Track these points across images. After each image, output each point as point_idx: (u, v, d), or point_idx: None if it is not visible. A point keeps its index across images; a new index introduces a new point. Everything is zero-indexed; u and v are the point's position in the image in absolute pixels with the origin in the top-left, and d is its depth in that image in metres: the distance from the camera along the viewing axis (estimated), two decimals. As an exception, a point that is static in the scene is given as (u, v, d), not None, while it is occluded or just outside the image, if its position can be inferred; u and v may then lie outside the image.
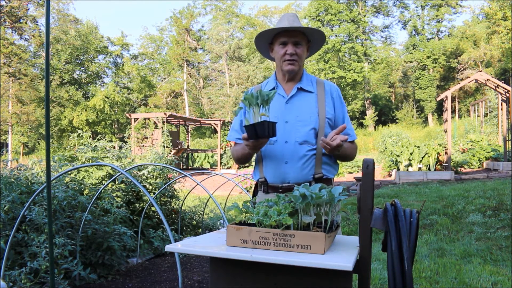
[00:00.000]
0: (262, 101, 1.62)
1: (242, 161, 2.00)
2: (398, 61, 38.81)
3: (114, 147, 6.29)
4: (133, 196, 5.58)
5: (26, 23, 26.62)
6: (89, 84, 38.05)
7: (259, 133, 1.61)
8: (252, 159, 2.06)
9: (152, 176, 5.93)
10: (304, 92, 1.94)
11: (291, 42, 1.88)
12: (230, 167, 19.68)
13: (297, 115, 1.89)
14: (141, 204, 5.77)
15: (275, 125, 1.67)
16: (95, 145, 5.66)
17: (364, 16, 36.56)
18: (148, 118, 18.74)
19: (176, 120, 20.43)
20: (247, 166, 16.71)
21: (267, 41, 2.00)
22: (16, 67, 26.38)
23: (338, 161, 2.02)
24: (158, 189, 5.65)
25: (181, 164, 19.84)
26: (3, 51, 24.30)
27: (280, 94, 1.95)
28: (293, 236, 1.33)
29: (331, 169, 1.94)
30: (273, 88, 1.98)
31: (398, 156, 12.14)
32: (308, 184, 1.56)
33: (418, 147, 11.81)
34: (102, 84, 40.59)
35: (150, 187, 5.87)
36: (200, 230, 6.28)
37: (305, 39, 1.93)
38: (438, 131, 22.56)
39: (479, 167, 13.64)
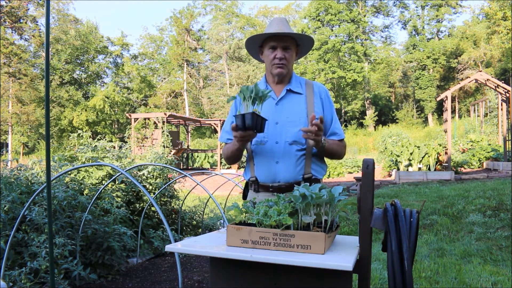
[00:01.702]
0: (255, 95, 1.66)
1: (232, 159, 2.04)
2: (398, 61, 38.82)
3: (114, 147, 6.29)
4: (133, 196, 5.58)
5: (26, 23, 26.62)
6: (89, 84, 38.05)
7: (247, 123, 1.65)
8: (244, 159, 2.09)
9: (152, 176, 5.93)
10: (294, 93, 2.00)
11: (280, 47, 1.94)
12: (230, 167, 19.66)
13: (287, 116, 1.94)
14: (141, 204, 5.77)
15: (264, 122, 1.71)
16: (95, 145, 5.66)
17: (364, 16, 36.56)
18: (148, 118, 18.74)
19: (176, 120, 20.44)
20: (247, 166, 16.67)
21: (257, 44, 2.06)
22: (16, 67, 26.37)
23: (329, 160, 2.07)
24: (158, 189, 5.66)
25: (181, 164, 19.85)
26: (3, 51, 24.30)
27: (270, 96, 1.99)
28: (293, 236, 1.33)
29: (320, 170, 1.99)
30: None
31: (398, 156, 12.14)
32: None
33: (418, 147, 11.80)
34: (102, 84, 40.61)
35: (150, 187, 5.87)
36: (200, 230, 6.28)
37: (294, 43, 1.99)
38: (438, 131, 22.56)
39: (479, 167, 13.64)
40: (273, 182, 1.93)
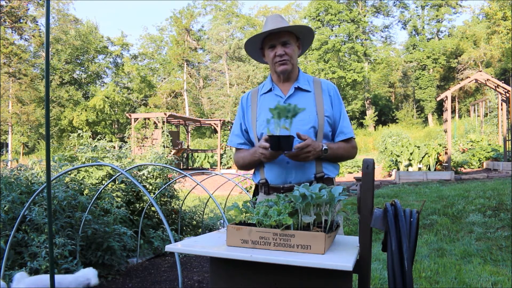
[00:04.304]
0: (292, 115, 1.62)
1: (247, 167, 2.01)
2: (398, 61, 38.82)
3: (114, 147, 6.29)
4: (133, 196, 5.58)
5: (26, 23, 26.61)
6: (89, 84, 38.05)
7: (283, 146, 1.62)
8: None
9: (152, 176, 5.93)
10: (302, 91, 1.94)
11: (279, 43, 1.89)
12: (230, 167, 19.67)
13: None
14: (141, 204, 5.77)
15: (293, 139, 1.67)
16: (95, 145, 5.66)
17: (364, 16, 36.56)
18: (148, 118, 18.74)
19: (176, 120, 20.43)
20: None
21: (257, 46, 2.01)
22: (16, 67, 26.37)
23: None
24: (158, 189, 5.65)
25: (181, 164, 19.84)
26: (3, 51, 24.29)
27: (277, 95, 1.96)
28: (293, 236, 1.33)
29: (332, 168, 1.93)
30: (270, 90, 1.98)
31: (398, 156, 12.14)
32: (308, 184, 1.56)
33: (418, 147, 11.80)
34: (102, 84, 40.60)
35: (150, 187, 5.87)
36: (200, 230, 6.28)
37: (293, 37, 1.93)
38: (438, 131, 22.56)
39: (479, 167, 13.63)
40: (285, 183, 1.87)
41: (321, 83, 1.98)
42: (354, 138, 2.00)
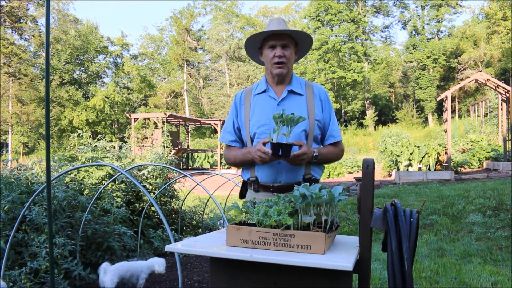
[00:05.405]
0: (296, 123, 1.73)
1: (238, 165, 2.09)
2: (398, 61, 38.81)
3: (114, 147, 6.29)
4: (133, 196, 5.58)
5: (26, 23, 26.61)
6: (89, 84, 38.04)
7: (283, 154, 1.72)
8: None
9: (152, 176, 5.93)
10: (295, 94, 2.01)
11: (280, 45, 1.95)
12: (230, 167, 19.66)
13: None
14: (141, 204, 5.77)
15: (292, 147, 1.77)
16: (95, 145, 5.66)
17: (364, 16, 36.56)
18: (148, 118, 18.75)
19: (176, 120, 20.44)
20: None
21: (256, 45, 2.07)
22: (16, 67, 26.37)
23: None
24: (158, 189, 5.65)
25: (181, 164, 19.84)
26: (3, 51, 24.28)
27: (271, 97, 2.01)
28: (293, 236, 1.33)
29: (318, 171, 2.03)
30: (264, 91, 2.03)
31: (398, 156, 12.14)
32: (308, 184, 1.56)
33: (418, 147, 11.81)
34: (102, 84, 40.60)
35: (150, 187, 5.86)
36: (200, 230, 6.28)
37: (293, 42, 2.00)
38: (438, 131, 22.57)
39: (479, 167, 13.64)
40: (274, 182, 1.95)
41: (313, 87, 2.05)
42: (342, 141, 2.09)
